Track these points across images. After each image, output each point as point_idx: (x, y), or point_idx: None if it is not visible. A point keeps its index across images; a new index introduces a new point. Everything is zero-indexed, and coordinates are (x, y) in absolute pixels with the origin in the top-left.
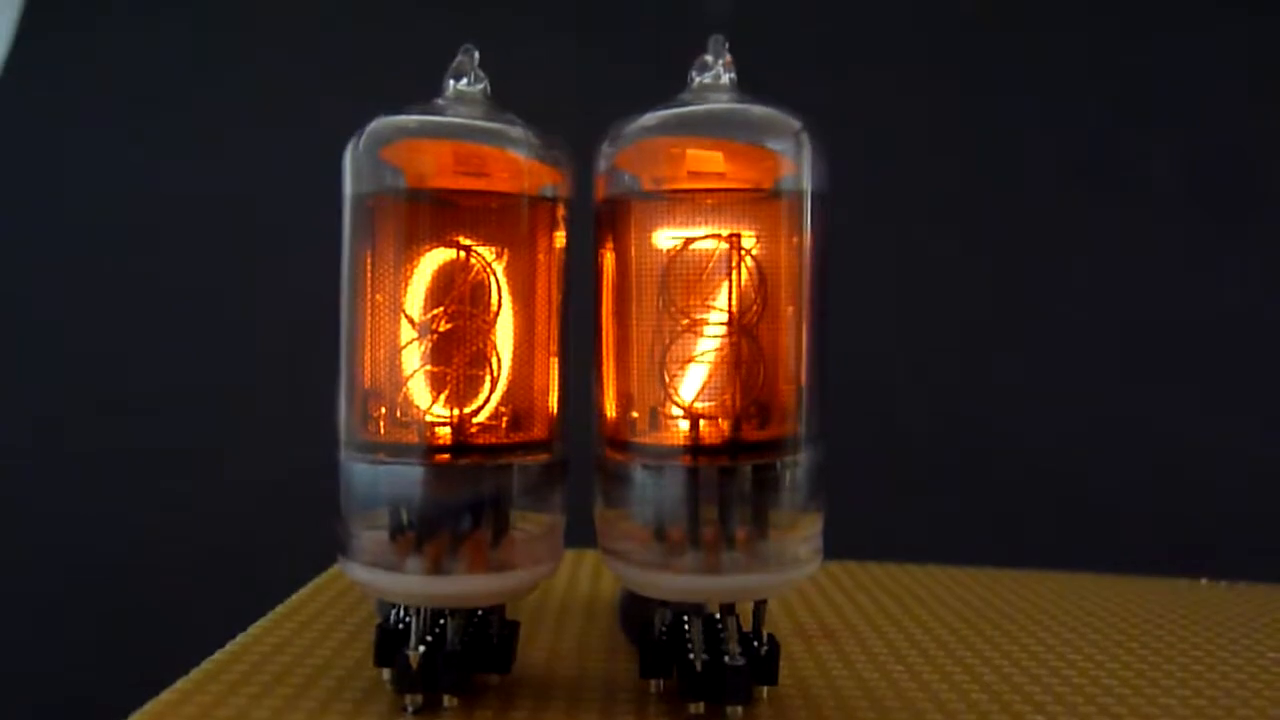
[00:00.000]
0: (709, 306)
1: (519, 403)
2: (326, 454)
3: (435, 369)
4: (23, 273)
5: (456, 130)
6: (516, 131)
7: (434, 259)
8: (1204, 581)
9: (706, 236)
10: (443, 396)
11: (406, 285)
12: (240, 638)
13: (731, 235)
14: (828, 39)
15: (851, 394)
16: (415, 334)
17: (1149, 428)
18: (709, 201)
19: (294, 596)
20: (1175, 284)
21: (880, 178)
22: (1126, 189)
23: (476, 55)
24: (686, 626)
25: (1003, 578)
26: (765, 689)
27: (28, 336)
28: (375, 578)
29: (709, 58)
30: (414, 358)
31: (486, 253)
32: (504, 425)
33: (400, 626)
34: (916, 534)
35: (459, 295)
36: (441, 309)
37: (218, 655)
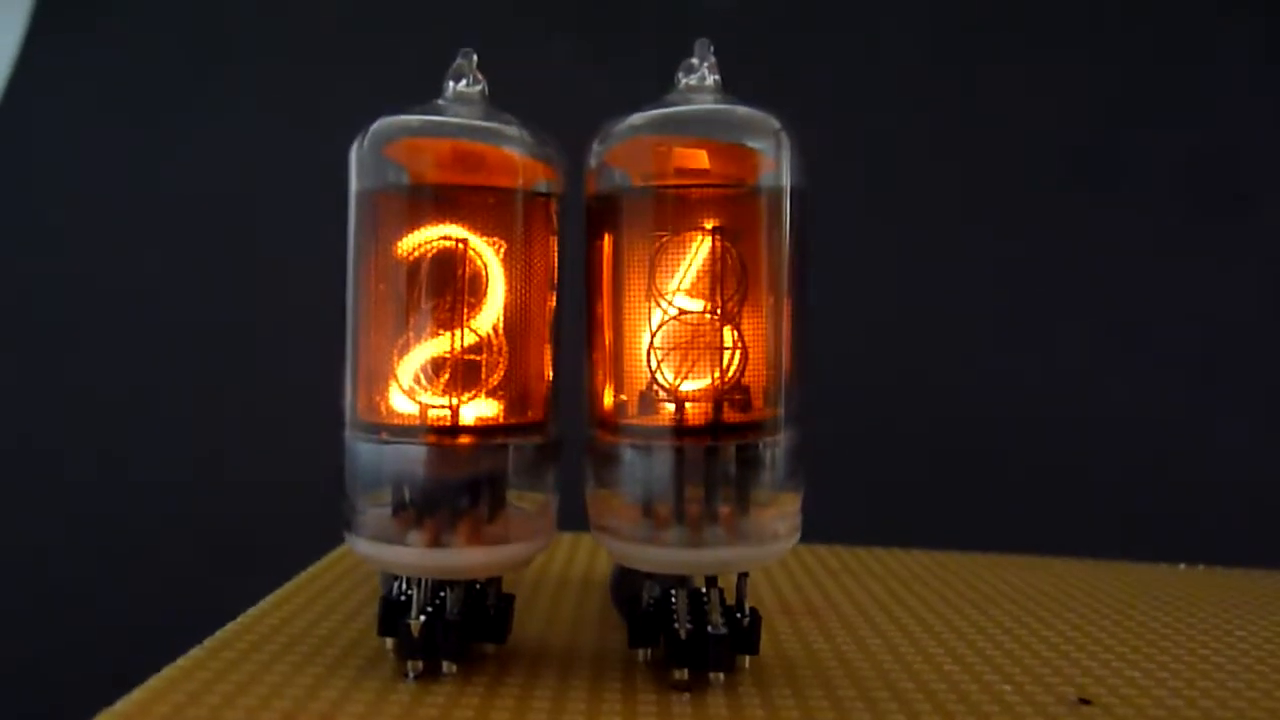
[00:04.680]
0: (694, 296)
1: (515, 387)
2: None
3: (435, 355)
4: (24, 271)
5: (455, 129)
6: (512, 130)
7: (433, 250)
8: (1182, 566)
9: (691, 230)
10: (443, 380)
11: (408, 275)
12: (250, 611)
13: (715, 228)
14: (827, 37)
15: (848, 385)
16: (416, 321)
17: (1140, 422)
18: (694, 196)
19: (302, 574)
20: (1171, 280)
21: (880, 176)
22: (1125, 187)
23: (475, 58)
24: (673, 600)
25: (987, 562)
26: (747, 658)
27: (28, 335)
28: (379, 551)
29: (694, 60)
30: (415, 343)
31: (484, 245)
32: (501, 408)
33: (402, 598)
34: (907, 520)
35: (458, 285)
36: (443, 298)
37: (229, 627)
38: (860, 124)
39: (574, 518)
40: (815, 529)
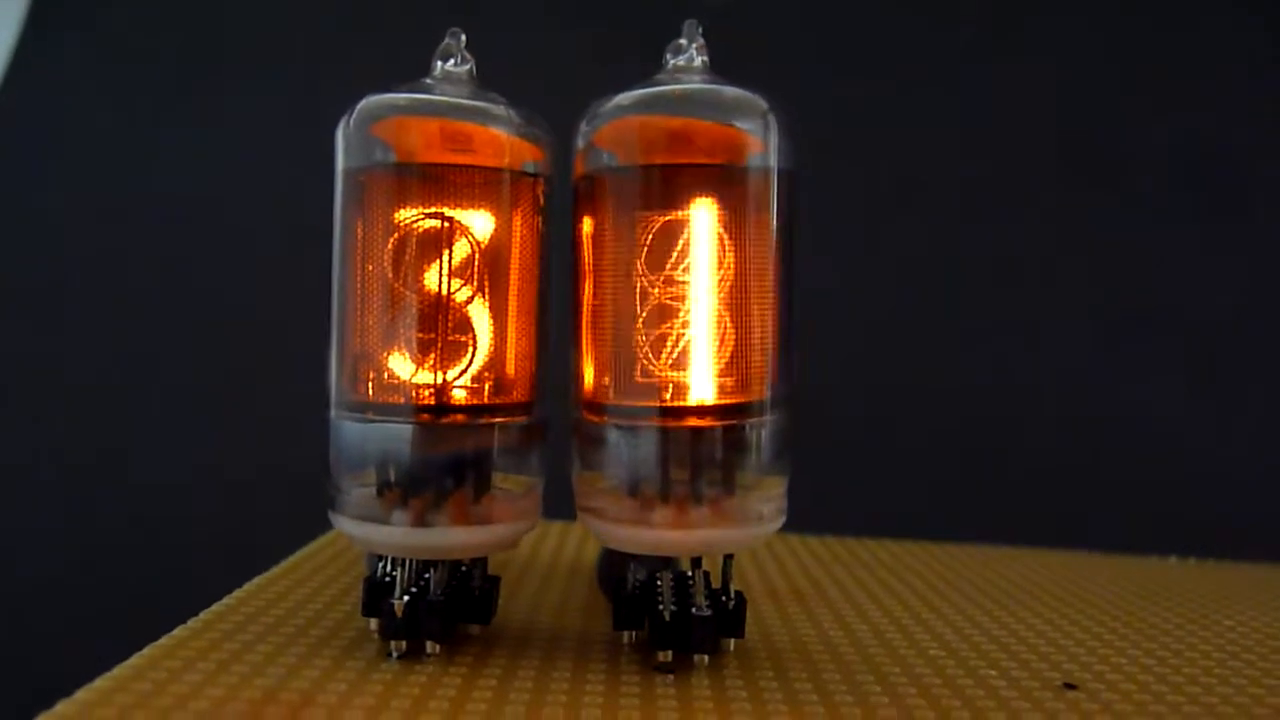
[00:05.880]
0: (680, 277)
1: (501, 367)
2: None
3: (422, 334)
4: (24, 269)
5: (443, 108)
6: (499, 110)
7: (420, 230)
8: (1172, 559)
9: (678, 210)
10: (428, 360)
11: (394, 255)
12: (234, 593)
13: (701, 209)
14: (824, 31)
15: (842, 379)
16: (403, 300)
17: (1133, 417)
18: (681, 177)
19: (288, 559)
20: (1169, 279)
21: (878, 172)
22: (1124, 185)
23: (463, 38)
24: (658, 582)
25: (976, 553)
26: (732, 641)
27: (25, 332)
28: (363, 530)
29: (683, 41)
30: (402, 323)
31: (471, 224)
32: (486, 388)
33: (387, 579)
34: (898, 513)
35: (444, 264)
36: (429, 276)
37: (213, 608)
38: (856, 119)
39: (566, 508)
40: (805, 520)
